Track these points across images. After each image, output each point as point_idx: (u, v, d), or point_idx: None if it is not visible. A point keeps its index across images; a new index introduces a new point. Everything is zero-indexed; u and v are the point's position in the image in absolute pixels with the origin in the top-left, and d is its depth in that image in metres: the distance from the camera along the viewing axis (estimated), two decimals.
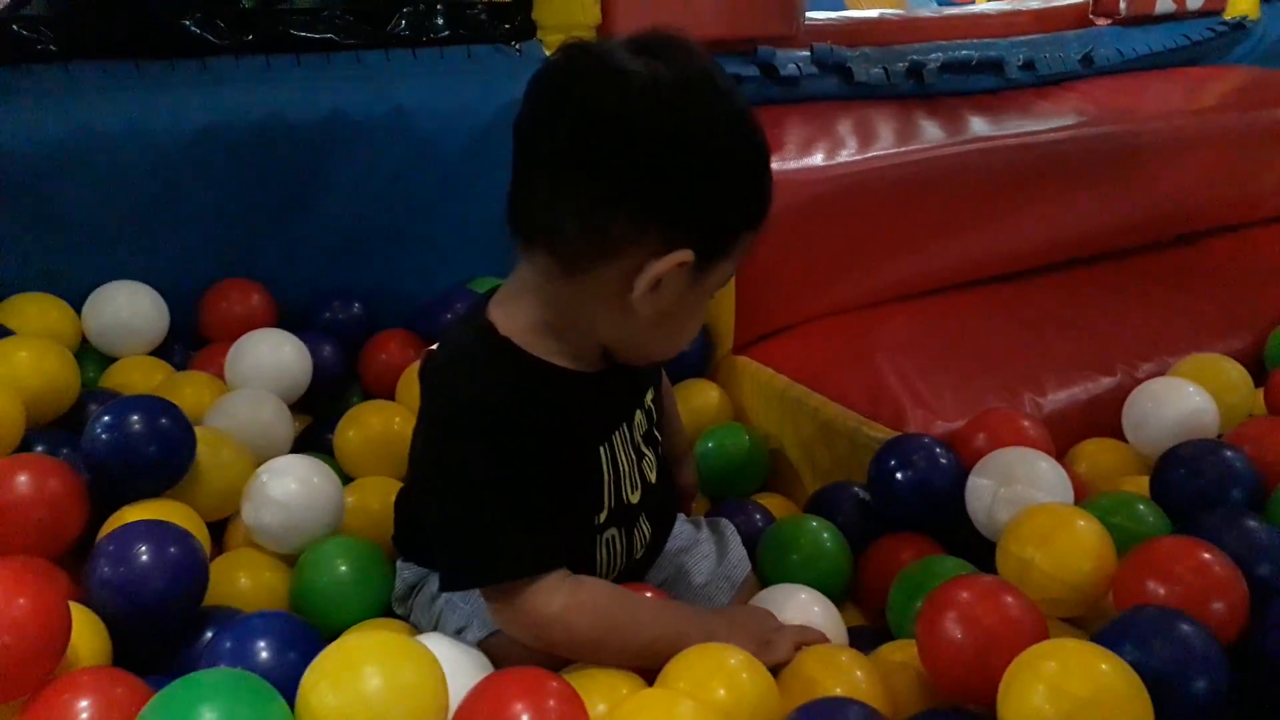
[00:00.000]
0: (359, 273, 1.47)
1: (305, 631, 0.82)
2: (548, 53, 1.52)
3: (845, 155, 1.44)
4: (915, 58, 1.81)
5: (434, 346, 0.89)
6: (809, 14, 1.85)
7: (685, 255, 0.75)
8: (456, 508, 0.78)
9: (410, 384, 1.30)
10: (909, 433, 1.13)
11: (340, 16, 1.41)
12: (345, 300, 1.44)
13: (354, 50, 1.41)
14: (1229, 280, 1.60)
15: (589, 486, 0.84)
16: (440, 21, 1.47)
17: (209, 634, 0.85)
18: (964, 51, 1.85)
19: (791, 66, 1.71)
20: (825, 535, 1.07)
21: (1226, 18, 2.17)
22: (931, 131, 1.55)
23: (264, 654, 0.77)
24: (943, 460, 1.06)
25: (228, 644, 0.79)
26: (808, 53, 1.74)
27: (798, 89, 1.73)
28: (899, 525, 1.08)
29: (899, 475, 1.06)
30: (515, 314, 0.83)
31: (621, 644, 0.78)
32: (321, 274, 1.45)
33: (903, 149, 1.47)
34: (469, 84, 1.47)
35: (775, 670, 0.78)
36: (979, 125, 1.60)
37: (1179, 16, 2.11)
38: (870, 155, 1.44)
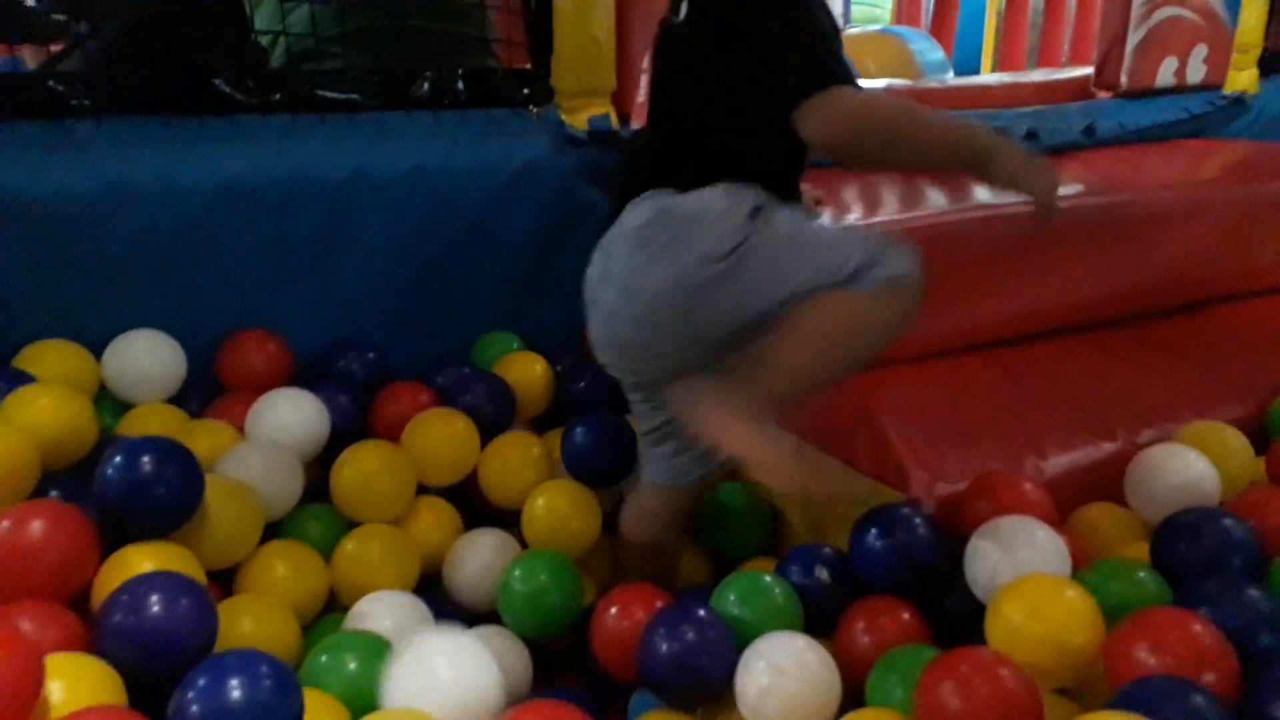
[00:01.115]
0: (374, 325, 1.50)
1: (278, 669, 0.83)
2: (564, 117, 1.56)
3: (851, 221, 1.47)
4: None
5: None
6: None
7: None
8: (803, 29, 0.95)
9: (417, 433, 1.33)
10: (891, 503, 1.13)
11: (365, 79, 1.46)
12: (360, 351, 1.47)
13: (377, 111, 1.46)
14: (1231, 349, 1.61)
15: None
16: (461, 86, 1.52)
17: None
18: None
19: None
20: (777, 591, 1.07)
21: (1226, 92, 2.21)
22: (936, 199, 1.59)
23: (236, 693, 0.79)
24: (922, 530, 1.08)
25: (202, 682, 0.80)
26: None
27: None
28: (878, 590, 1.09)
29: (879, 543, 1.08)
30: None
31: (921, 120, 0.97)
32: (338, 325, 1.48)
33: (908, 215, 1.50)
34: (488, 146, 1.51)
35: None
36: (982, 193, 1.63)
37: (1179, 90, 2.16)
38: (875, 221, 1.47)
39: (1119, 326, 1.65)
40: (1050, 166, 1.00)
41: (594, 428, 1.36)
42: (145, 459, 0.99)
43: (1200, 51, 2.13)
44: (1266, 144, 2.14)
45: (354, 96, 1.45)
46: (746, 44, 0.98)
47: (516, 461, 1.35)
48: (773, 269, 0.98)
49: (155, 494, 0.98)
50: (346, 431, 1.38)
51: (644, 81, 1.04)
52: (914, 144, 0.97)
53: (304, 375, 1.42)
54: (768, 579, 1.10)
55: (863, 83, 2.02)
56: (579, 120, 1.57)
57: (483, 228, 1.52)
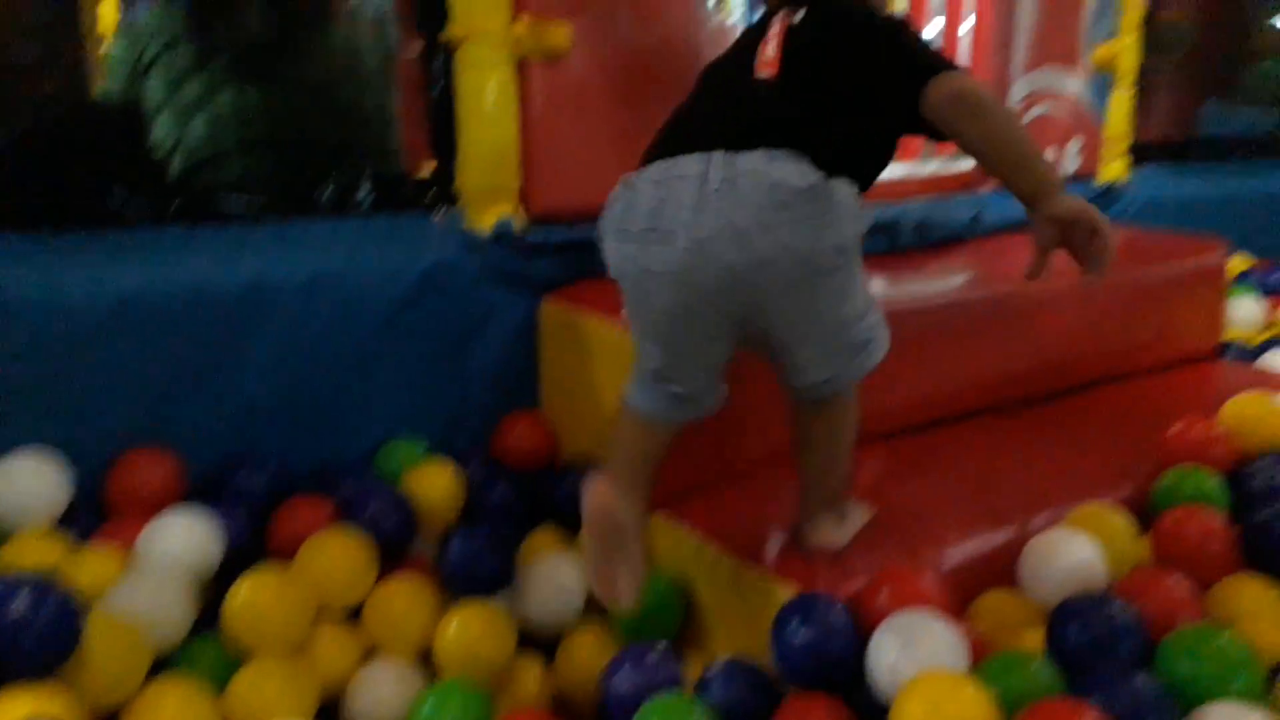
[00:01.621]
0: (275, 436, 1.47)
1: None
2: (469, 220, 1.58)
3: None
4: None
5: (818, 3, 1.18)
6: None
7: None
8: (925, 44, 1.14)
9: (313, 554, 1.30)
10: (808, 593, 1.15)
11: (265, 187, 1.46)
12: (259, 464, 1.43)
13: (278, 220, 1.46)
14: (1115, 429, 1.69)
15: None
16: (364, 192, 1.53)
17: None
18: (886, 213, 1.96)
19: None
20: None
21: (1100, 181, 2.36)
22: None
23: None
24: (840, 622, 1.09)
25: None
26: None
27: None
28: (802, 685, 1.10)
29: (798, 636, 1.09)
30: None
31: (1017, 122, 1.11)
32: (236, 438, 1.45)
33: None
34: (389, 251, 1.52)
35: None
36: (874, 287, 1.69)
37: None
38: None
39: (1009, 412, 1.72)
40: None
41: (473, 539, 1.36)
42: (16, 602, 0.95)
43: (1074, 144, 2.27)
44: (1139, 229, 2.28)
45: (253, 205, 1.44)
46: (880, 38, 1.13)
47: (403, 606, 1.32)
48: (851, 290, 1.14)
49: (27, 640, 0.94)
50: (244, 550, 1.34)
51: (773, 44, 1.15)
52: (1006, 137, 1.07)
53: (199, 492, 1.38)
54: (687, 702, 1.10)
55: None
56: (483, 222, 1.59)
57: (386, 333, 1.52)
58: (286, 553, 1.33)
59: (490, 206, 1.60)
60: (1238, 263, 2.50)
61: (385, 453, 1.54)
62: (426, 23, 1.54)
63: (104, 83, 1.62)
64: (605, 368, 1.50)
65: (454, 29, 1.51)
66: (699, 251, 1.07)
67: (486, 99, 1.55)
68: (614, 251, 1.17)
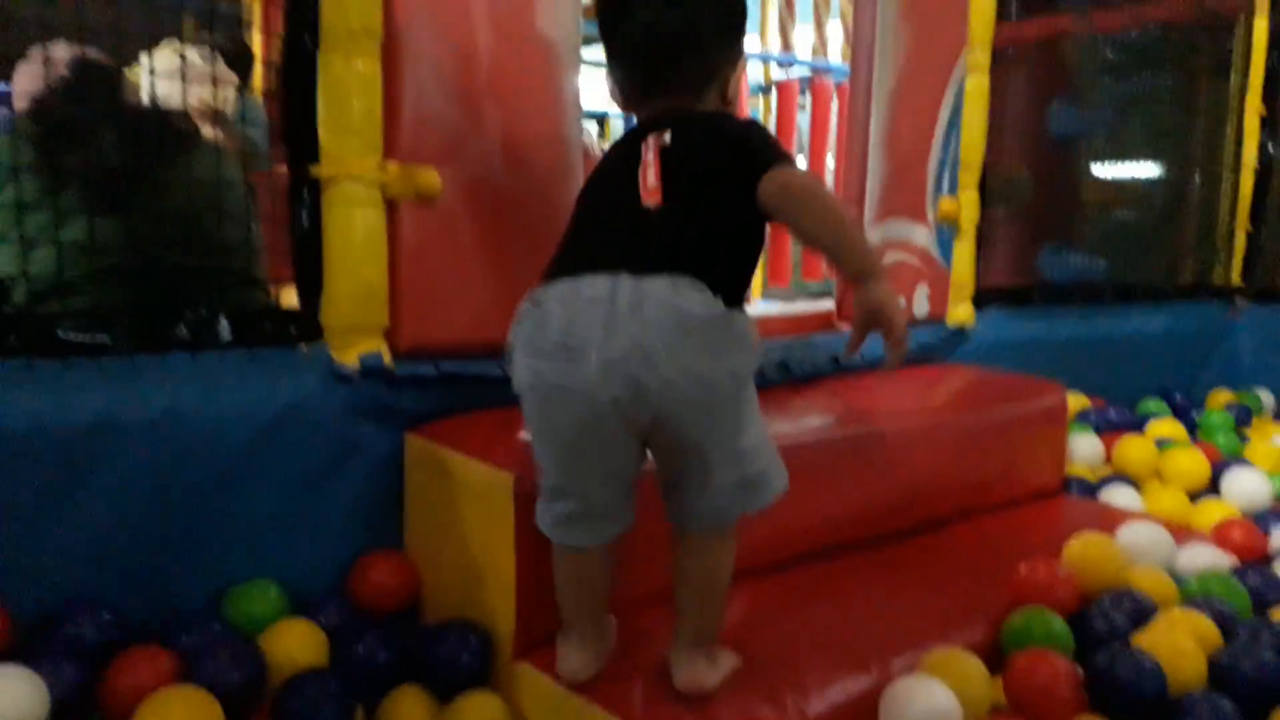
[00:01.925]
0: (112, 581, 1.38)
1: None
2: (335, 355, 1.56)
3: None
4: None
5: (681, 123, 1.28)
6: None
7: (742, 56, 1.36)
8: (770, 138, 1.28)
9: (153, 712, 1.20)
10: None
11: (115, 319, 1.41)
12: (92, 612, 1.33)
13: (128, 354, 1.40)
14: (968, 567, 1.75)
15: None
16: (223, 324, 1.49)
17: None
18: None
19: None
20: None
21: (949, 324, 2.51)
22: None
23: None
24: None
25: None
26: None
27: None
28: None
29: None
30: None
31: (846, 211, 1.20)
32: (68, 585, 1.35)
33: None
34: (249, 386, 1.48)
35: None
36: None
37: (909, 323, 2.41)
38: None
39: (865, 549, 1.76)
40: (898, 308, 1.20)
41: (310, 688, 1.30)
42: None
43: (923, 290, 2.42)
44: (986, 369, 2.42)
45: (102, 338, 1.38)
46: (737, 144, 1.23)
47: None
48: (747, 422, 1.22)
49: None
50: (75, 706, 1.23)
51: (652, 170, 1.24)
52: (827, 225, 1.18)
53: (28, 640, 1.28)
54: None
55: None
56: (349, 357, 1.57)
57: (240, 470, 1.46)
58: (122, 711, 1.22)
59: (357, 341, 1.58)
60: (1076, 401, 2.66)
61: (235, 596, 1.46)
62: (295, 158, 1.53)
63: None
64: (470, 506, 1.47)
65: (324, 168, 1.52)
66: (610, 369, 1.13)
67: (356, 236, 1.55)
68: (523, 367, 1.20)
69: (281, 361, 1.53)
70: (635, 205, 1.23)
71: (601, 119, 6.72)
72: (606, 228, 1.26)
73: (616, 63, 1.34)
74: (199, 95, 1.62)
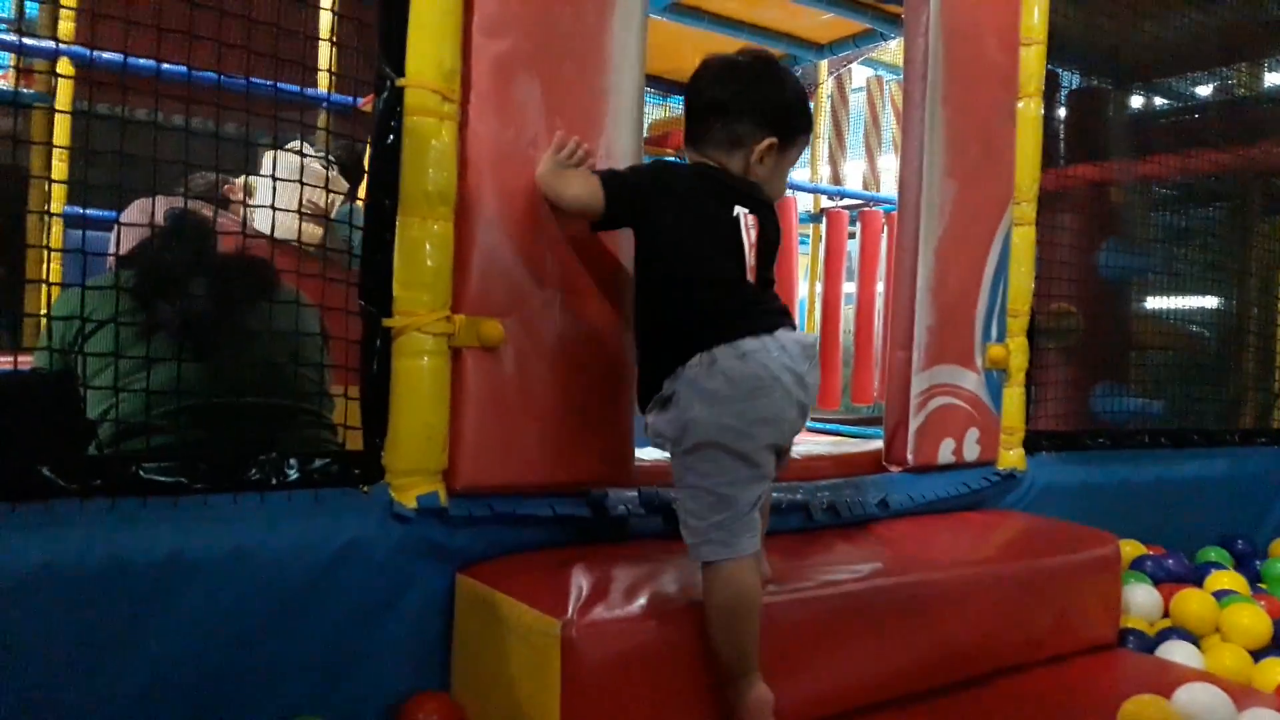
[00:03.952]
0: (173, 715, 1.42)
1: None
2: (394, 495, 1.62)
3: (666, 603, 1.55)
4: None
5: (765, 212, 1.69)
6: (638, 453, 2.04)
7: (773, 139, 1.66)
8: None
9: None
10: None
11: (192, 461, 1.49)
12: None
13: (203, 494, 1.48)
14: None
15: None
16: (291, 468, 1.56)
17: None
18: (774, 494, 2.06)
19: (621, 508, 1.86)
20: None
21: (999, 468, 2.51)
22: None
23: None
24: None
25: None
26: (636, 494, 1.90)
27: (627, 528, 1.87)
28: None
29: None
30: None
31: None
32: (135, 714, 1.39)
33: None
34: (312, 524, 1.54)
35: None
36: (791, 572, 1.75)
37: (958, 466, 2.43)
38: (689, 604, 1.55)
39: (909, 705, 1.74)
40: None
41: None
42: None
43: (973, 434, 2.43)
44: (1038, 518, 2.40)
45: (180, 480, 1.47)
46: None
47: None
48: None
49: None
50: None
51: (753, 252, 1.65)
52: None
53: None
54: None
55: None
56: (408, 498, 1.63)
57: (299, 607, 1.51)
58: None
59: (416, 482, 1.65)
60: (1131, 550, 2.62)
61: None
62: (367, 311, 1.63)
63: (38, 354, 1.67)
64: (517, 650, 1.50)
65: (396, 320, 1.61)
66: (787, 395, 1.54)
67: (421, 384, 1.63)
68: (713, 412, 1.51)
69: (343, 501, 1.60)
70: (744, 275, 1.62)
71: None
72: (755, 294, 1.63)
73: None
74: (310, 197, 1.74)
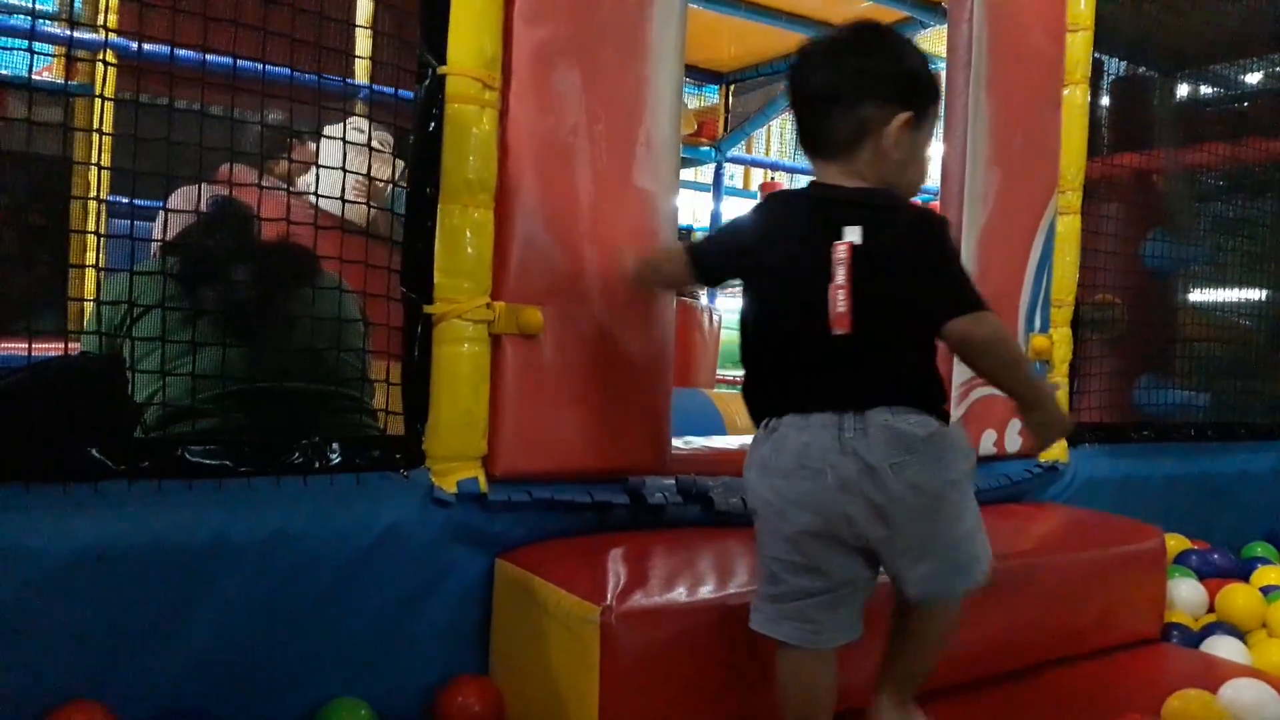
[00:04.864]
0: (216, 694, 1.45)
1: None
2: (435, 480, 1.63)
3: (704, 591, 1.55)
4: None
5: (874, 223, 1.38)
6: (675, 442, 2.04)
7: (906, 115, 1.40)
8: (963, 271, 1.41)
9: None
10: None
11: (236, 445, 1.51)
12: None
13: (246, 477, 1.49)
14: (1059, 715, 1.70)
15: None
16: (334, 452, 1.58)
17: None
18: None
19: (658, 495, 1.86)
20: None
21: (1041, 460, 2.47)
22: None
23: None
24: None
25: None
26: (673, 482, 1.90)
27: (664, 516, 1.87)
28: None
29: None
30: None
31: (1021, 354, 1.45)
32: (174, 696, 1.42)
33: (752, 587, 1.57)
34: (353, 508, 1.56)
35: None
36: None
37: (1000, 458, 2.40)
38: (727, 593, 1.55)
39: (952, 696, 1.72)
40: (1066, 420, 1.44)
41: None
42: None
43: (1014, 425, 2.39)
44: (1081, 510, 2.37)
45: (225, 463, 1.48)
46: (925, 270, 1.36)
47: None
48: (963, 513, 1.39)
49: None
50: None
51: (843, 296, 1.35)
52: (1006, 372, 1.39)
53: None
54: None
55: (715, 443, 2.11)
56: (448, 483, 1.64)
57: (340, 590, 1.53)
58: None
59: (456, 468, 1.66)
60: (1176, 544, 2.58)
61: (326, 713, 1.50)
62: (409, 298, 1.64)
63: (87, 339, 1.70)
64: (556, 634, 1.50)
65: (437, 306, 1.62)
66: (843, 487, 1.33)
67: (462, 370, 1.64)
68: (759, 484, 1.40)
69: (384, 486, 1.61)
70: (826, 336, 1.35)
71: (686, 232, 6.91)
72: (805, 362, 1.39)
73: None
74: (364, 172, 1.75)
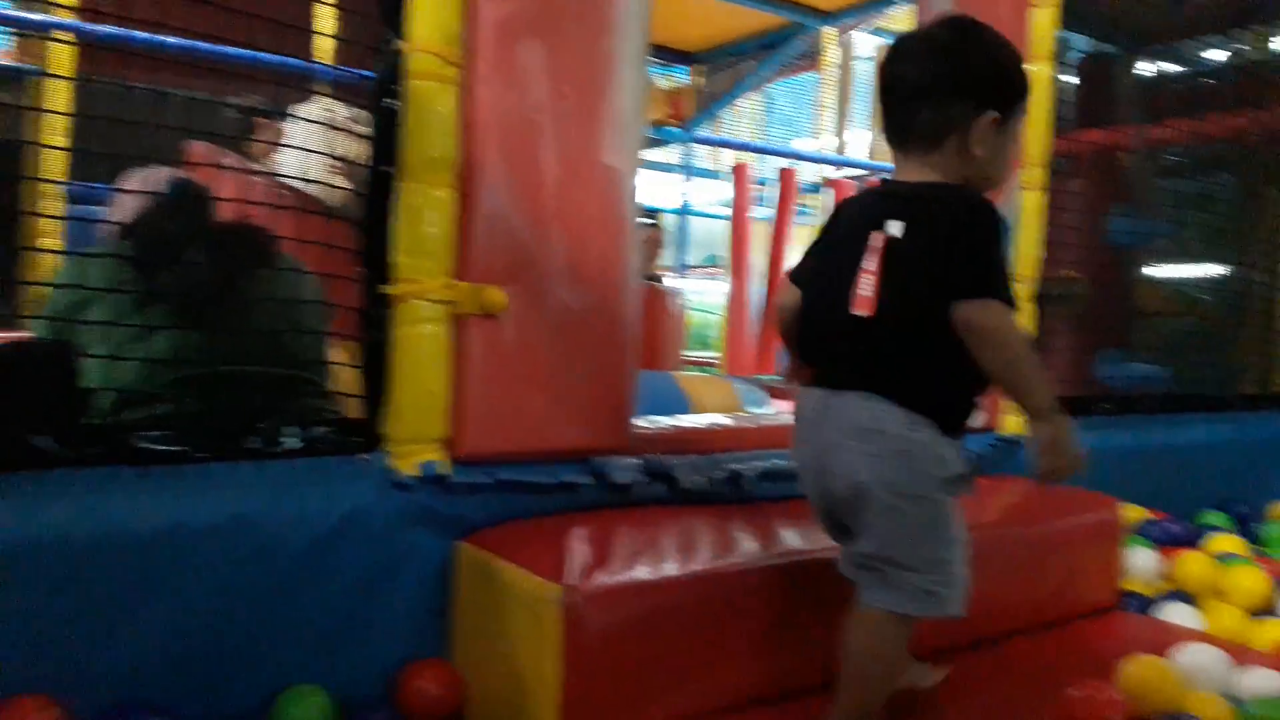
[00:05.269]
0: (170, 683, 1.42)
1: None
2: (392, 463, 1.62)
3: (668, 569, 1.55)
4: (735, 466, 2.00)
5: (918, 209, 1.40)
6: (640, 422, 2.03)
7: (994, 115, 1.41)
8: (989, 262, 1.36)
9: None
10: None
11: (192, 430, 1.49)
12: (151, 713, 1.38)
13: (203, 462, 1.48)
14: (1017, 688, 1.73)
15: None
16: (291, 436, 1.56)
17: None
18: (781, 460, 2.05)
19: (623, 475, 1.85)
20: None
21: (1002, 434, 2.50)
22: (747, 545, 1.69)
23: None
24: None
25: None
26: (638, 461, 1.89)
27: (629, 495, 1.87)
28: None
29: None
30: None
31: (1029, 353, 1.34)
32: (128, 686, 1.39)
33: (716, 564, 1.59)
34: (311, 493, 1.54)
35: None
36: (792, 538, 1.75)
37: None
38: (690, 570, 1.55)
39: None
40: (1077, 455, 1.38)
41: None
42: None
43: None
44: (1074, 487, 2.39)
45: (181, 449, 1.46)
46: (950, 256, 1.35)
47: None
48: (914, 535, 1.38)
49: None
50: None
51: (869, 280, 1.38)
52: (1009, 368, 1.33)
53: None
54: None
55: (681, 422, 2.11)
56: (409, 466, 1.63)
57: (298, 576, 1.51)
58: None
59: (417, 450, 1.64)
60: (1133, 514, 2.62)
61: (283, 704, 1.48)
62: (368, 278, 1.62)
63: (36, 325, 1.67)
64: (518, 616, 1.49)
65: (397, 287, 1.60)
66: (817, 458, 1.43)
67: (422, 351, 1.62)
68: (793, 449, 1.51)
69: (344, 470, 1.59)
70: (844, 314, 1.39)
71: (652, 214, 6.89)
72: (820, 334, 1.48)
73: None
74: (333, 147, 1.73)
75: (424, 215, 1.61)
